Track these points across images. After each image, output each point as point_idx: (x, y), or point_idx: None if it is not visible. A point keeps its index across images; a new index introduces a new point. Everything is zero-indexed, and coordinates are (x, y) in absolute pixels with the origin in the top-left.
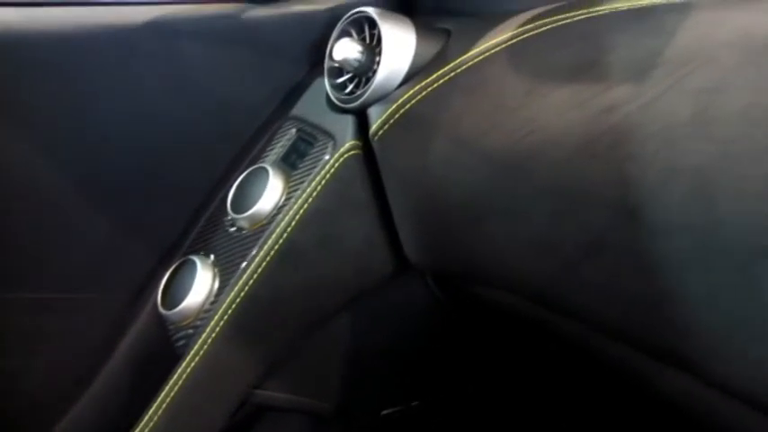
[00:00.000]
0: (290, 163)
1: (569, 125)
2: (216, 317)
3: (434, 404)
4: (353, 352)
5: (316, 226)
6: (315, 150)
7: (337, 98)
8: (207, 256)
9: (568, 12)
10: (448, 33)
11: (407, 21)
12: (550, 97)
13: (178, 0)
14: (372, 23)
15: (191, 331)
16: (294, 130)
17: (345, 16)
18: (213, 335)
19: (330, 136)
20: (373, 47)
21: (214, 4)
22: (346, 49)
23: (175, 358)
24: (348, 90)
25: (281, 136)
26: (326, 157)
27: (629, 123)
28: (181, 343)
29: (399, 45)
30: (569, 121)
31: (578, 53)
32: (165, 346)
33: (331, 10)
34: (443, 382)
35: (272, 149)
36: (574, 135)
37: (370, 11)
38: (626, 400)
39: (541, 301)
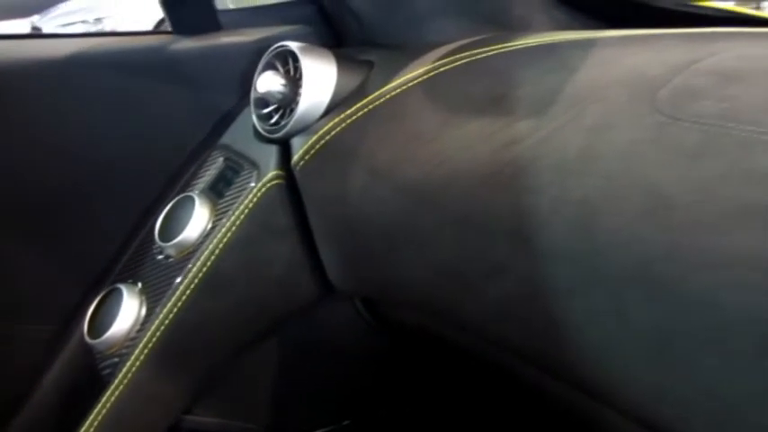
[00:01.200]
0: (218, 191)
1: (476, 157)
2: (141, 344)
3: (366, 423)
4: (283, 374)
5: (240, 253)
6: (240, 179)
7: (263, 128)
8: (134, 284)
9: (482, 47)
10: (371, 65)
11: (329, 54)
12: (461, 130)
13: (106, 33)
14: (295, 57)
15: (116, 359)
16: (222, 159)
17: (270, 50)
18: (138, 362)
19: (255, 165)
20: (296, 79)
21: (142, 36)
22: (269, 82)
23: (103, 387)
24: (273, 120)
25: (210, 164)
26: (251, 186)
27: (527, 157)
28: (107, 372)
29: (320, 78)
30: (476, 154)
31: (489, 87)
32: (92, 376)
33: (258, 42)
34: (375, 402)
35: (201, 178)
36: (479, 167)
37: (292, 45)
38: (541, 416)
39: (451, 323)
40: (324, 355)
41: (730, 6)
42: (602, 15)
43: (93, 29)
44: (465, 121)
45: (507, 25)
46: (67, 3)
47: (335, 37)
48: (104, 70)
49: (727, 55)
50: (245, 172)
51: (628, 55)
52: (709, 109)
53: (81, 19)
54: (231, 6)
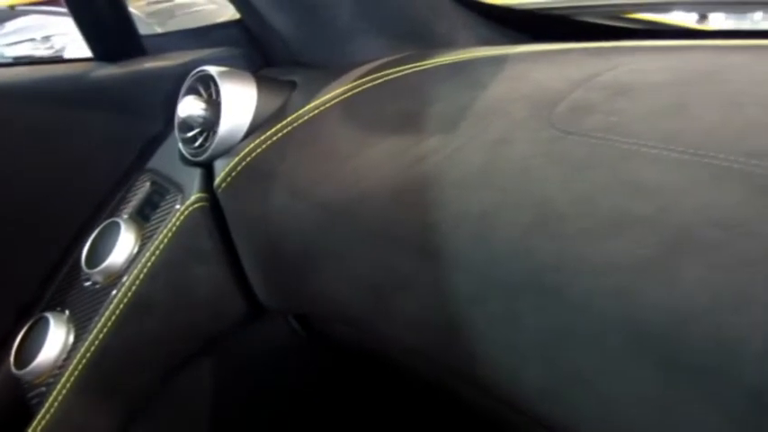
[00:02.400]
0: (144, 215)
1: (387, 175)
2: (67, 373)
3: None
4: (219, 395)
5: (165, 276)
6: (166, 202)
7: (187, 151)
8: (62, 312)
9: (400, 65)
10: (293, 86)
11: (249, 77)
12: (375, 148)
13: (28, 62)
14: (215, 81)
15: (44, 389)
16: (149, 183)
17: (191, 74)
18: (65, 391)
19: (180, 188)
20: (217, 103)
21: (64, 64)
22: (190, 107)
23: (30, 417)
24: (197, 144)
25: (137, 189)
26: (176, 209)
27: (433, 173)
28: (35, 401)
29: (240, 101)
30: (389, 171)
31: (403, 106)
32: (20, 407)
33: (182, 66)
34: (315, 417)
35: (128, 202)
36: (390, 184)
37: (211, 69)
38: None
39: (371, 335)
40: (260, 373)
41: (655, 18)
42: (527, 30)
43: (41, 47)
44: (379, 139)
45: (431, 42)
46: (15, 21)
47: (263, 57)
48: (27, 99)
49: (623, 69)
50: (171, 195)
51: (535, 70)
52: (598, 122)
53: (29, 37)
54: (159, 30)
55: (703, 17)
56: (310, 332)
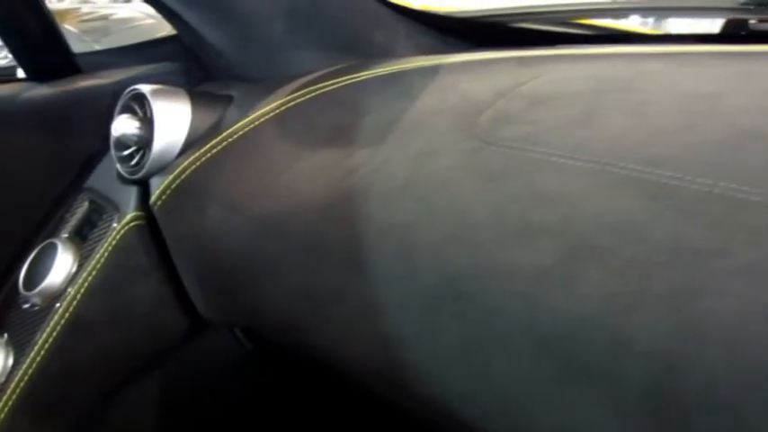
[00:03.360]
0: (82, 235)
1: (320, 187)
2: (5, 396)
3: None
4: (166, 409)
5: (103, 295)
6: (103, 221)
7: (124, 170)
8: (0, 335)
9: (335, 78)
10: (230, 100)
11: (183, 93)
12: (309, 161)
13: None
14: (148, 99)
15: None
16: (87, 203)
17: (125, 93)
18: (3, 414)
19: (117, 207)
20: (151, 120)
21: None
22: (123, 126)
23: None
24: (134, 162)
25: (76, 209)
26: (113, 228)
27: (362, 185)
28: None
29: (173, 118)
30: (320, 184)
31: (336, 118)
32: None
33: (118, 83)
34: (263, 428)
35: (67, 223)
36: (322, 197)
37: (143, 88)
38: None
39: (307, 344)
40: (208, 386)
41: (603, 23)
42: (468, 37)
43: None
44: (312, 152)
45: (370, 53)
46: None
47: (202, 71)
48: None
49: (545, 78)
50: (108, 214)
51: (463, 81)
52: (516, 132)
53: None
54: (96, 47)
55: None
56: (256, 343)
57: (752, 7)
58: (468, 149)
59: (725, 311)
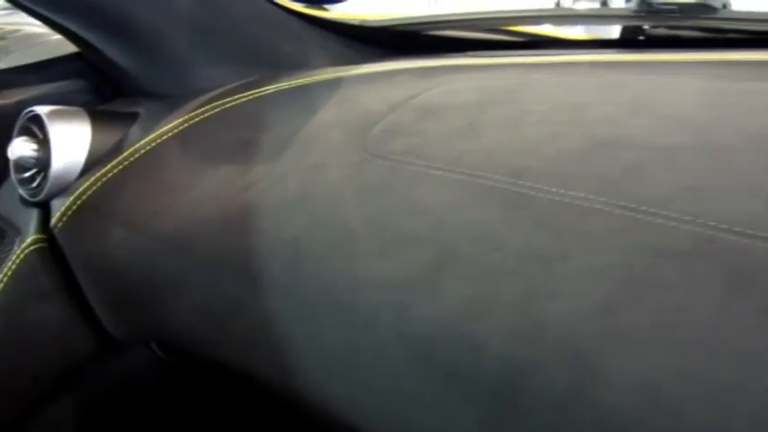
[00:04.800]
0: None
1: (221, 203)
2: None
3: None
4: (87, 427)
5: (5, 320)
6: (5, 246)
7: (25, 192)
8: None
9: (240, 92)
10: (135, 118)
11: (82, 113)
12: (212, 177)
13: None
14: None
15: None
16: None
17: (22, 114)
18: None
19: (18, 230)
20: (48, 142)
21: None
22: (19, 148)
23: None
24: (35, 184)
25: None
26: (14, 251)
27: (258, 200)
28: None
29: (72, 138)
30: (221, 200)
31: (240, 134)
32: None
33: (20, 104)
34: None
35: None
36: (222, 212)
37: (39, 109)
38: None
39: (213, 357)
40: (126, 401)
41: (531, 30)
42: (382, 45)
43: None
44: (215, 169)
45: (281, 65)
46: None
47: (113, 88)
48: None
49: (439, 89)
50: (9, 238)
51: (364, 93)
52: (402, 145)
53: None
54: (2, 66)
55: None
56: (172, 356)
57: (643, 14)
58: (356, 162)
59: (561, 313)
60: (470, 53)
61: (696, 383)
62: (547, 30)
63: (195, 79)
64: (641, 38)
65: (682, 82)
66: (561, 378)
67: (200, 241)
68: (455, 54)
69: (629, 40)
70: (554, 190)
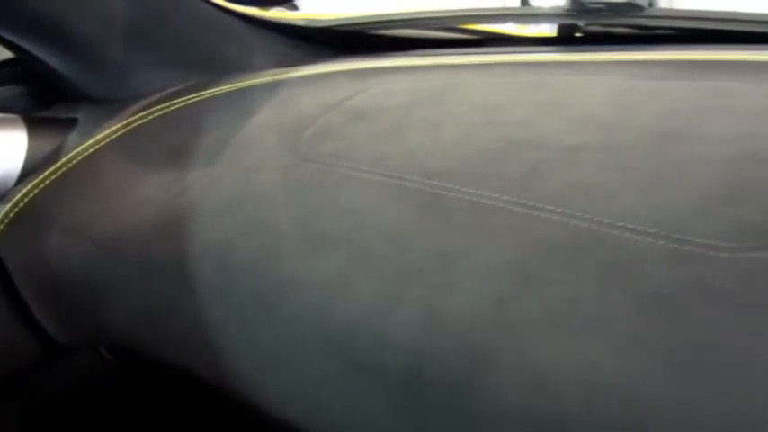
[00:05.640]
0: None
1: (156, 208)
2: None
3: None
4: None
5: None
6: None
7: None
8: None
9: (181, 96)
10: (74, 123)
11: (17, 120)
12: (150, 182)
13: None
14: None
15: None
16: None
17: None
18: None
19: None
20: None
21: None
22: None
23: None
24: None
25: None
26: None
27: (193, 204)
28: None
29: (6, 146)
30: (157, 204)
31: (179, 138)
32: None
33: None
34: None
35: None
36: (159, 216)
37: None
38: None
39: (154, 359)
40: (75, 404)
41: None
42: (328, 45)
43: None
44: (153, 173)
45: (224, 67)
46: None
47: (55, 93)
48: None
49: (372, 91)
50: None
51: (301, 95)
52: (331, 148)
53: None
54: None
55: None
56: (120, 359)
57: (575, 13)
58: (287, 166)
59: (461, 307)
60: (406, 53)
61: (574, 370)
62: (496, 27)
63: (134, 84)
64: (579, 35)
65: (597, 82)
66: (459, 367)
67: (137, 245)
68: (391, 55)
69: (567, 38)
70: (464, 189)
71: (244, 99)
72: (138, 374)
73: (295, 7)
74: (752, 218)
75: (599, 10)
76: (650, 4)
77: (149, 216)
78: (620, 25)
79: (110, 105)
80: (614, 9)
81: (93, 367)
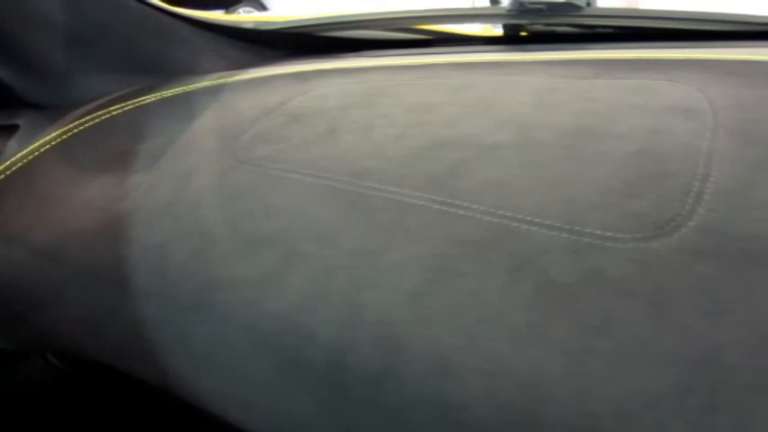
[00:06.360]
0: None
1: (96, 213)
2: None
3: None
4: None
5: None
6: None
7: None
8: None
9: (122, 102)
10: (14, 130)
11: None
12: (89, 188)
13: None
14: None
15: None
16: None
17: None
18: None
19: None
20: None
21: None
22: None
23: None
24: None
25: None
26: None
27: (132, 209)
28: None
29: None
30: (97, 210)
31: (120, 143)
32: None
33: None
34: None
35: None
36: (98, 222)
37: None
38: None
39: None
40: (24, 412)
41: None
42: (277, 47)
43: None
44: (93, 179)
45: (171, 71)
46: None
47: None
48: None
49: (310, 94)
50: None
51: (242, 99)
52: (267, 151)
53: None
54: None
55: None
56: (67, 365)
57: (516, 13)
58: (224, 169)
59: (378, 302)
60: (349, 55)
61: (477, 358)
62: (445, 27)
63: (76, 90)
64: (524, 34)
65: (524, 81)
66: (376, 359)
67: (76, 251)
68: (335, 56)
69: (513, 37)
70: (389, 188)
71: (185, 103)
72: (87, 379)
73: (264, 7)
74: (647, 210)
75: (539, 10)
76: (588, 4)
77: (88, 222)
78: (560, 24)
79: (51, 111)
80: (553, 9)
81: (39, 374)
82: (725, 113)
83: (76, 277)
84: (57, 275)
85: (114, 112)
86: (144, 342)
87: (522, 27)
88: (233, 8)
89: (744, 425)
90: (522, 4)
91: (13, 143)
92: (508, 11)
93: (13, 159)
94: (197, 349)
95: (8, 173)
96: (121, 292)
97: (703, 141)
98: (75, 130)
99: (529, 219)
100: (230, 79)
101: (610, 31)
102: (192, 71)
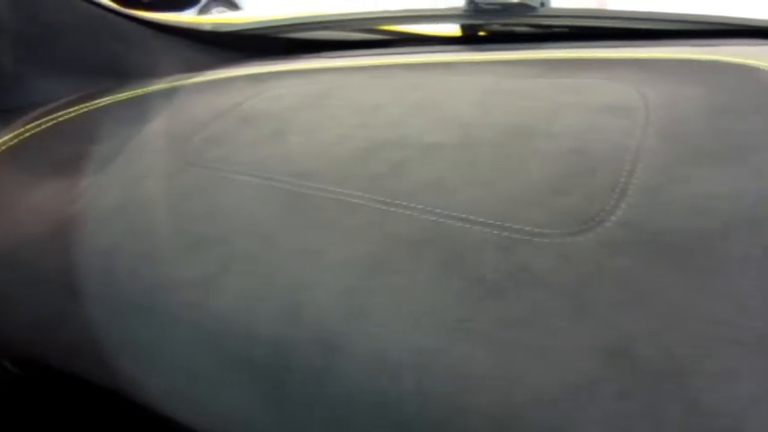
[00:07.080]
0: None
1: (47, 218)
2: None
3: None
4: None
5: None
6: None
7: None
8: None
9: (76, 105)
10: None
11: None
12: (41, 193)
13: None
14: None
15: None
16: None
17: None
18: None
19: None
20: None
21: None
22: None
23: None
24: None
25: None
26: None
27: (82, 212)
28: None
29: None
30: (47, 214)
31: (72, 147)
32: None
33: None
34: None
35: None
36: (48, 227)
37: None
38: None
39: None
40: None
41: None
42: (237, 49)
43: None
44: (45, 183)
45: (127, 73)
46: None
47: None
48: None
49: (264, 96)
50: None
51: (197, 101)
52: (216, 152)
53: None
54: None
55: None
56: (23, 370)
57: (471, 13)
58: (174, 171)
59: (317, 300)
60: (305, 56)
61: (409, 353)
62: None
63: (27, 93)
64: (482, 34)
65: (471, 82)
66: (316, 357)
67: (26, 256)
68: (290, 58)
69: (470, 37)
70: (331, 189)
71: (140, 106)
72: (44, 384)
73: (236, 6)
74: (575, 206)
75: (494, 10)
76: (542, 4)
77: (39, 226)
78: (515, 24)
79: (1, 115)
80: (508, 9)
81: None
82: (656, 112)
83: (27, 281)
84: (6, 281)
85: (67, 116)
86: (94, 345)
87: (479, 27)
88: (205, 8)
89: (655, 411)
90: (476, 5)
91: None
92: (464, 11)
93: None
94: (145, 351)
95: None
96: (71, 296)
97: (633, 139)
98: (27, 134)
99: (463, 216)
100: (186, 82)
101: (565, 30)
102: (150, 74)
